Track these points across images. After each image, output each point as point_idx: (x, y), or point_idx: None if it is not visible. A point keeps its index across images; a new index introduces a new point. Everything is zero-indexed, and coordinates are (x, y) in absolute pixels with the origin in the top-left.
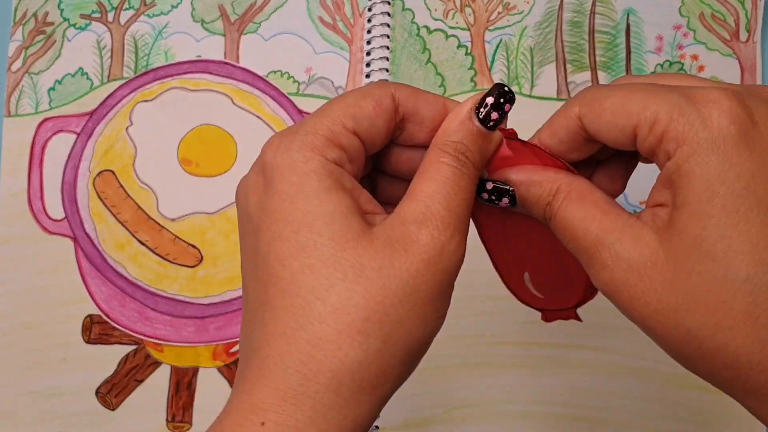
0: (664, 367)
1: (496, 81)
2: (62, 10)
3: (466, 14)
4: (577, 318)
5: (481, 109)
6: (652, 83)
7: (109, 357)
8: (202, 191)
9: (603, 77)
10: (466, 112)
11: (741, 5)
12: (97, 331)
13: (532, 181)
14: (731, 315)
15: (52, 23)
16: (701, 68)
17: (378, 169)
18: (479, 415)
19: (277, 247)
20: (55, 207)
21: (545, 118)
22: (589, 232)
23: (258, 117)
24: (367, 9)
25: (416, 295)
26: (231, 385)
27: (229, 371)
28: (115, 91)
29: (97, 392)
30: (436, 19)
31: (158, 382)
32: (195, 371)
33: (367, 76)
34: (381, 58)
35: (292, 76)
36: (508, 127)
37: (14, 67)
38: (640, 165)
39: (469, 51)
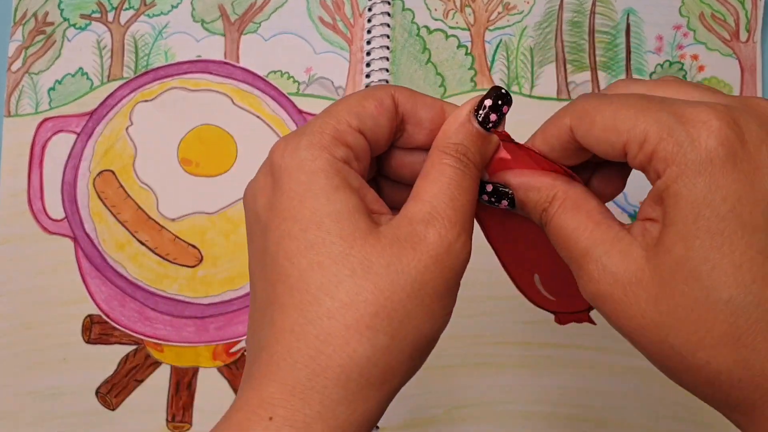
0: None
1: (496, 81)
2: (62, 10)
3: (466, 14)
4: (591, 321)
5: (480, 111)
6: (645, 96)
7: (109, 357)
8: (202, 191)
9: (603, 77)
10: (465, 115)
11: (741, 5)
12: (97, 331)
13: (530, 185)
14: (713, 334)
15: (52, 23)
16: (701, 68)
17: (381, 174)
18: (479, 415)
19: (285, 246)
20: (55, 207)
21: (545, 118)
22: (579, 243)
23: (258, 117)
24: (367, 9)
25: (424, 291)
26: (231, 385)
27: (229, 371)
28: (115, 91)
29: (97, 392)
30: (436, 19)
31: (158, 382)
32: (195, 371)
33: (367, 76)
34: (381, 58)
35: (292, 76)
36: (508, 128)
37: (14, 67)
38: None
39: (469, 51)
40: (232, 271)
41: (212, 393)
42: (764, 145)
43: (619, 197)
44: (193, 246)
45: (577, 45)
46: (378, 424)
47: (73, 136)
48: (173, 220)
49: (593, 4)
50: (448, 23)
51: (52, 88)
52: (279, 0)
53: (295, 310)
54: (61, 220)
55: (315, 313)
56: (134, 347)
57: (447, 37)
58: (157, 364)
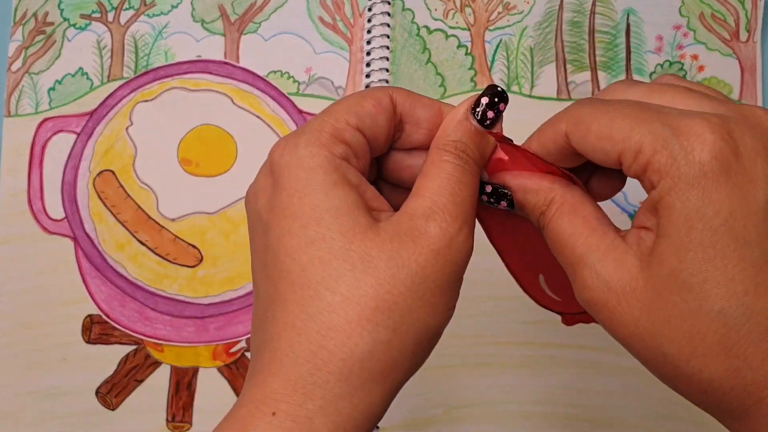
0: None
1: (496, 81)
2: (62, 10)
3: (466, 14)
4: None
5: (477, 109)
6: (641, 105)
7: (109, 357)
8: (202, 191)
9: (603, 77)
10: (462, 113)
11: (741, 5)
12: (97, 331)
13: (528, 188)
14: (705, 344)
15: (52, 23)
16: (701, 68)
17: (381, 178)
18: (479, 415)
19: (286, 243)
20: (55, 207)
21: (545, 118)
22: (575, 249)
23: (258, 117)
24: (367, 9)
25: (425, 285)
26: (231, 385)
27: (229, 371)
28: (115, 91)
29: (97, 392)
30: (436, 19)
31: (158, 382)
32: (195, 371)
33: (367, 76)
34: (381, 58)
35: (292, 76)
36: (507, 128)
37: (14, 67)
38: None
39: (469, 51)
40: (232, 271)
41: (212, 393)
42: (759, 157)
43: (619, 197)
44: (193, 246)
45: (577, 45)
46: (378, 424)
47: (73, 136)
48: (173, 220)
49: (593, 4)
50: (448, 23)
51: (52, 88)
52: (279, 0)
53: (297, 305)
54: (61, 220)
55: (316, 308)
56: (134, 347)
57: (447, 37)
58: (157, 364)
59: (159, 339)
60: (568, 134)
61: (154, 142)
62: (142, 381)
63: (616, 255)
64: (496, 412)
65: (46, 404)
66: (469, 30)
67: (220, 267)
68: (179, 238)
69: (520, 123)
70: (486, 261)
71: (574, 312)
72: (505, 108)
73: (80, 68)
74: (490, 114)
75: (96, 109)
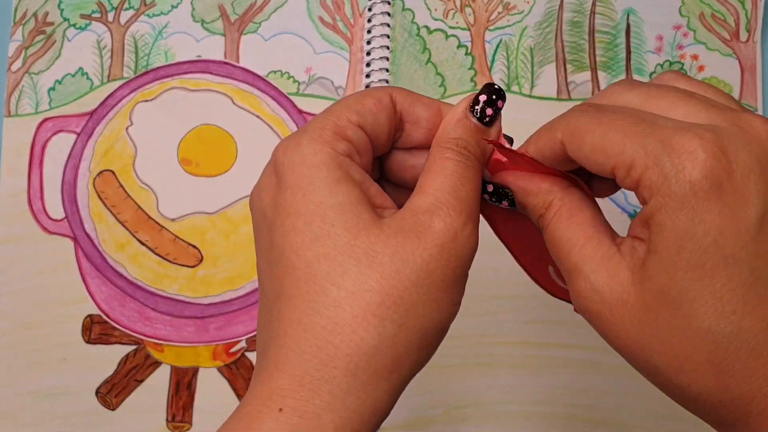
0: None
1: (496, 81)
2: (62, 10)
3: (466, 14)
4: None
5: (476, 107)
6: (635, 116)
7: (109, 357)
8: (202, 191)
9: (603, 77)
10: (461, 111)
11: (741, 5)
12: (97, 331)
13: (528, 190)
14: (694, 359)
15: (52, 23)
16: (701, 68)
17: (384, 179)
18: (479, 415)
19: (291, 239)
20: (55, 207)
21: (545, 118)
22: (570, 257)
23: (258, 117)
24: (367, 9)
25: (430, 279)
26: (231, 385)
27: (229, 371)
28: (115, 91)
29: (97, 392)
30: (436, 19)
31: (158, 382)
32: (195, 371)
33: (367, 76)
34: (381, 58)
35: (292, 76)
36: (507, 127)
37: (14, 67)
38: None
39: (469, 51)
40: (232, 271)
41: (212, 393)
42: (752, 174)
43: (619, 197)
44: (193, 246)
45: (577, 45)
46: None
47: (73, 136)
48: (173, 220)
49: (593, 4)
50: (448, 23)
51: (52, 88)
52: (279, 0)
53: (302, 301)
54: (61, 220)
55: (322, 303)
56: (134, 347)
57: (447, 37)
58: (157, 364)
59: (159, 339)
60: (564, 143)
61: (154, 142)
62: (142, 381)
63: (610, 266)
64: (496, 412)
65: (46, 404)
66: (469, 30)
67: (220, 267)
68: (179, 238)
69: (520, 123)
70: (486, 260)
71: None
72: (503, 105)
73: (80, 68)
74: (489, 111)
75: (96, 109)
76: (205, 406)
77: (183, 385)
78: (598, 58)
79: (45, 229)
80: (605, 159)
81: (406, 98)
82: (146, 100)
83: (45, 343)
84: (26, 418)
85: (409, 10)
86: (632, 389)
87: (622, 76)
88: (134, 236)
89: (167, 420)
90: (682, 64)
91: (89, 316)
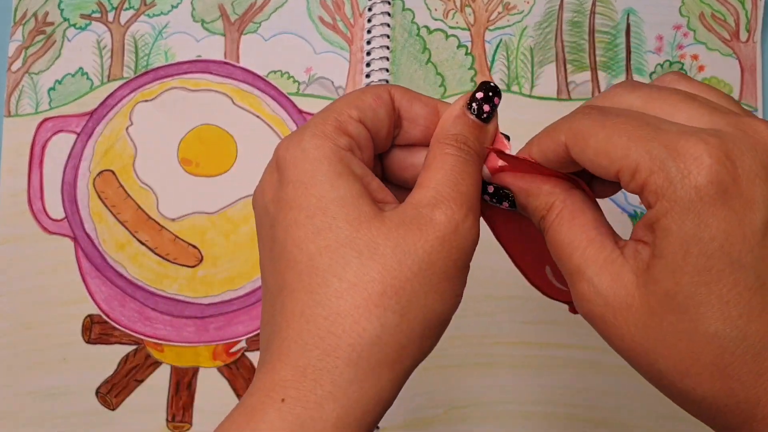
0: None
1: (497, 81)
2: (62, 10)
3: (466, 14)
4: None
5: (473, 105)
6: (639, 120)
7: (109, 357)
8: (202, 191)
9: (603, 77)
10: (459, 108)
11: (741, 5)
12: (97, 331)
13: (529, 191)
14: (699, 364)
15: (52, 23)
16: (701, 68)
17: (385, 180)
18: (479, 415)
19: (293, 233)
20: (55, 207)
21: (545, 118)
22: (572, 260)
23: (258, 117)
24: (367, 9)
25: (431, 270)
26: (231, 385)
27: (229, 371)
28: (115, 91)
29: (97, 392)
30: (436, 19)
31: (158, 382)
32: (195, 371)
33: (367, 76)
34: (381, 58)
35: (292, 76)
36: (507, 128)
37: (14, 67)
38: None
39: (469, 51)
40: (232, 271)
41: (212, 393)
42: (758, 179)
43: (619, 197)
44: (193, 246)
45: (577, 45)
46: (378, 424)
47: (73, 136)
48: (173, 220)
49: (593, 4)
50: (448, 23)
51: (52, 88)
52: (279, 0)
53: (305, 293)
54: (61, 220)
55: (324, 295)
56: (134, 347)
57: (447, 37)
58: (157, 364)
59: (159, 339)
60: (568, 146)
61: (154, 142)
62: (142, 381)
63: (613, 269)
64: (496, 412)
65: (46, 404)
66: (469, 30)
67: (220, 267)
68: (179, 238)
69: (520, 123)
70: (486, 260)
71: None
72: (499, 102)
73: (80, 68)
74: (486, 108)
75: (96, 109)
76: (205, 406)
77: (183, 385)
78: (598, 58)
79: (45, 229)
80: (609, 163)
81: (404, 96)
82: (146, 100)
83: (45, 343)
84: (26, 418)
85: (409, 10)
86: (632, 389)
87: (622, 76)
88: (134, 236)
89: (167, 420)
90: (682, 64)
91: (89, 316)
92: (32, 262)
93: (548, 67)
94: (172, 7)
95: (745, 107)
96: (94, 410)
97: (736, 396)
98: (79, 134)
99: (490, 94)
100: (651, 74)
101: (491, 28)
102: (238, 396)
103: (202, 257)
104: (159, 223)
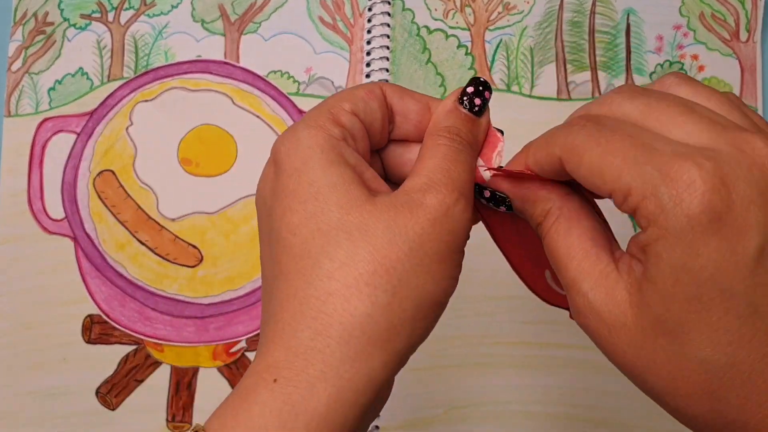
0: None
1: (496, 81)
2: (62, 10)
3: (466, 14)
4: None
5: (464, 99)
6: (632, 139)
7: (109, 357)
8: (202, 191)
9: (603, 77)
10: (451, 103)
11: (741, 5)
12: (97, 331)
13: (525, 197)
14: (688, 385)
15: (52, 23)
16: (701, 68)
17: (386, 178)
18: (479, 415)
19: (287, 220)
20: (55, 207)
21: (545, 118)
22: (568, 271)
23: (258, 117)
24: (367, 9)
25: (423, 251)
26: (231, 385)
27: (229, 371)
28: (115, 91)
29: (97, 392)
30: (436, 19)
31: (158, 382)
32: (195, 371)
33: (367, 76)
34: (381, 58)
35: (292, 76)
36: (507, 127)
37: (14, 67)
38: None
39: (469, 51)
40: (232, 271)
41: (212, 393)
42: (753, 205)
43: None
44: (193, 246)
45: (577, 45)
46: (378, 424)
47: (73, 136)
48: (173, 220)
49: (593, 4)
50: (448, 23)
51: (52, 88)
52: (279, 0)
53: (298, 275)
54: (61, 220)
55: (315, 276)
56: (134, 347)
57: (447, 37)
58: (157, 364)
59: (159, 339)
60: (562, 160)
61: (154, 142)
62: (142, 381)
63: (608, 284)
64: (496, 412)
65: (46, 404)
66: (469, 30)
67: (220, 267)
68: (179, 238)
69: (520, 123)
70: (486, 261)
71: None
72: (490, 96)
73: (80, 68)
74: (477, 101)
75: (96, 109)
76: (205, 406)
77: (183, 385)
78: (598, 58)
79: (45, 229)
80: (602, 183)
81: (395, 91)
82: (146, 100)
83: (45, 343)
84: (26, 418)
85: (409, 10)
86: (632, 389)
87: (622, 76)
88: (134, 236)
89: (167, 420)
90: (682, 64)
91: (89, 316)
92: (32, 262)
93: (548, 67)
94: (172, 7)
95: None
96: (94, 410)
97: (725, 417)
98: (79, 134)
99: (480, 88)
100: (651, 74)
101: (491, 28)
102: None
103: (202, 257)
104: (159, 223)
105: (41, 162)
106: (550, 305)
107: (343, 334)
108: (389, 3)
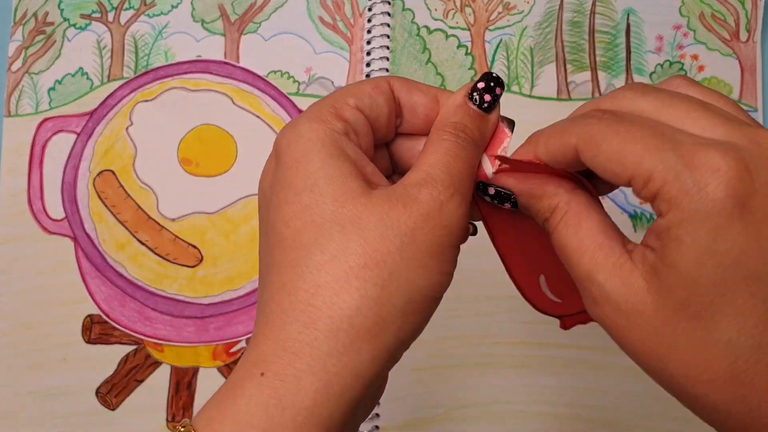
0: None
1: None
2: (62, 10)
3: (466, 14)
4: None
5: (474, 94)
6: (653, 128)
7: (109, 357)
8: (202, 191)
9: (603, 77)
10: (461, 98)
11: (741, 5)
12: (97, 331)
13: (532, 193)
14: (711, 371)
15: (52, 23)
16: (701, 68)
17: (396, 173)
18: (479, 415)
19: (283, 211)
20: (55, 207)
21: (545, 118)
22: (581, 265)
23: (258, 117)
24: (367, 9)
25: (414, 245)
26: None
27: (229, 371)
28: (115, 91)
29: (97, 392)
30: (436, 19)
31: (158, 382)
32: (195, 371)
33: (367, 76)
34: (381, 58)
35: (292, 76)
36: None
37: (14, 67)
38: None
39: (469, 51)
40: (232, 271)
41: (212, 393)
42: None
43: (619, 197)
44: (193, 246)
45: (577, 45)
46: (378, 424)
47: (73, 136)
48: (173, 220)
49: (593, 4)
50: (448, 23)
51: (52, 88)
52: (279, 0)
53: (288, 266)
54: (61, 220)
55: (306, 267)
56: (134, 347)
57: (447, 37)
58: (157, 364)
59: (159, 339)
60: (579, 150)
61: (154, 142)
62: (142, 381)
63: (623, 274)
64: (496, 412)
65: (46, 404)
66: (469, 30)
67: (220, 267)
68: (179, 238)
69: (520, 123)
70: (486, 262)
71: (573, 313)
72: (501, 92)
73: (80, 68)
74: (488, 97)
75: (96, 109)
76: None
77: (183, 385)
78: (598, 58)
79: (45, 229)
80: (622, 169)
81: (403, 85)
82: (146, 100)
83: (45, 343)
84: (26, 418)
85: (409, 10)
86: (632, 389)
87: (622, 76)
88: (134, 236)
89: (167, 420)
90: (682, 64)
91: (89, 316)
92: (32, 262)
93: (548, 67)
94: (172, 7)
95: (745, 107)
96: (94, 410)
97: (749, 403)
98: (79, 134)
99: (492, 84)
100: (651, 74)
101: (491, 28)
102: None
103: (202, 257)
104: (159, 223)
105: (41, 162)
106: (541, 313)
107: (331, 327)
108: (389, 3)
